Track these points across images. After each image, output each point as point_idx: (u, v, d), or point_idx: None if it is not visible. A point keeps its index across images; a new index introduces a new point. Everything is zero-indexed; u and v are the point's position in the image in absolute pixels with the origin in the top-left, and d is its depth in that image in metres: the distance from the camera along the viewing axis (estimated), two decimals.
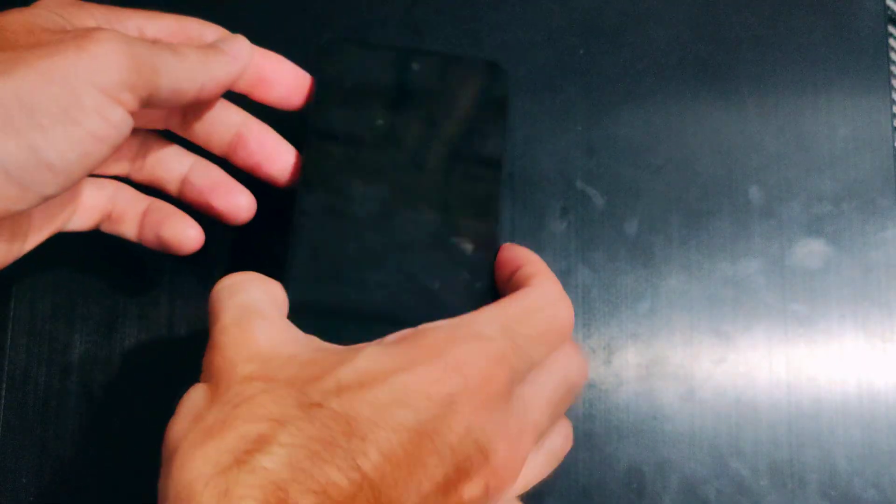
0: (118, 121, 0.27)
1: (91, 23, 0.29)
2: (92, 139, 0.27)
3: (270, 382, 0.24)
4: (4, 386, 0.35)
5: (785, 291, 0.35)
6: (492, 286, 0.31)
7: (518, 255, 0.30)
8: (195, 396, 0.25)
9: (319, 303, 0.30)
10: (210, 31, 0.32)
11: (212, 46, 0.30)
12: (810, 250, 0.35)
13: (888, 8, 0.37)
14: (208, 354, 0.26)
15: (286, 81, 0.32)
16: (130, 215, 0.33)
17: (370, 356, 0.25)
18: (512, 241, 0.33)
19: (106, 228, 0.33)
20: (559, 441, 0.29)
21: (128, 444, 0.34)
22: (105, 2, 0.31)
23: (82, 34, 0.27)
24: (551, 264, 0.33)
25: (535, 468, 0.28)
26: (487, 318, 0.27)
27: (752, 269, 0.35)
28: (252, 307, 0.27)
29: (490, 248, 0.31)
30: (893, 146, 0.36)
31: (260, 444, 0.22)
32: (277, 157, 0.32)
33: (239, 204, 0.32)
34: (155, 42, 0.28)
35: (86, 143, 0.27)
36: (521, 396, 0.26)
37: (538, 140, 0.36)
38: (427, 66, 0.32)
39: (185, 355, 0.35)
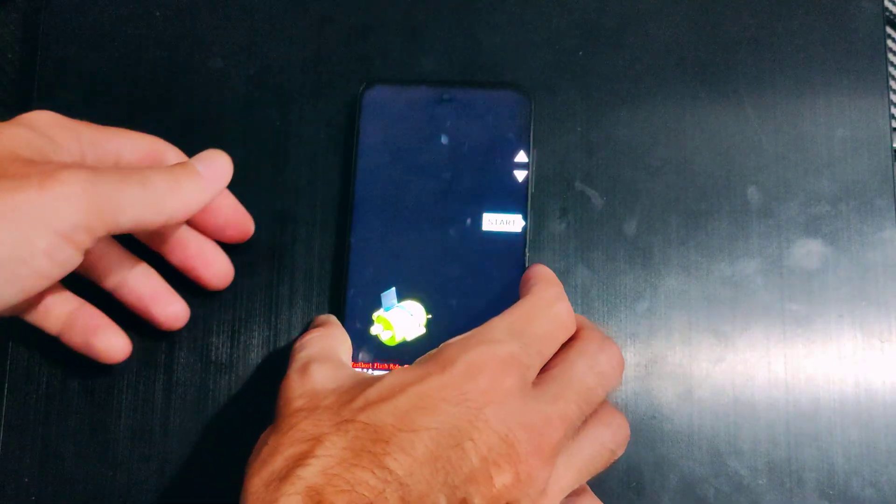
0: (65, 259, 0.28)
1: (74, 146, 0.31)
2: (35, 276, 0.28)
3: (314, 411, 0.28)
4: (7, 386, 0.35)
5: (783, 291, 0.35)
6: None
7: (530, 270, 0.33)
8: (262, 437, 0.28)
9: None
10: (172, 154, 0.33)
11: (185, 168, 0.31)
12: (808, 250, 0.35)
13: (886, 10, 0.38)
14: (277, 402, 0.29)
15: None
16: (57, 313, 0.33)
17: (394, 375, 0.28)
18: None
19: (28, 318, 0.33)
20: (607, 433, 0.30)
21: (129, 444, 0.34)
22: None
23: (48, 172, 0.27)
24: (551, 264, 0.33)
25: (583, 460, 0.29)
26: (495, 324, 0.29)
27: (751, 270, 0.35)
28: (315, 356, 0.30)
29: (518, 258, 0.34)
30: (891, 147, 0.36)
31: (300, 459, 0.26)
32: (214, 262, 0.35)
33: (177, 314, 0.34)
34: (125, 173, 0.29)
35: (27, 280, 0.28)
36: (544, 390, 0.28)
37: (538, 140, 0.36)
38: (458, 98, 0.36)
39: (181, 353, 0.35)
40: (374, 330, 0.34)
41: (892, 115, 0.37)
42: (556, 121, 0.37)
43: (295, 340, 0.32)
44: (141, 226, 0.30)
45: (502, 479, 0.26)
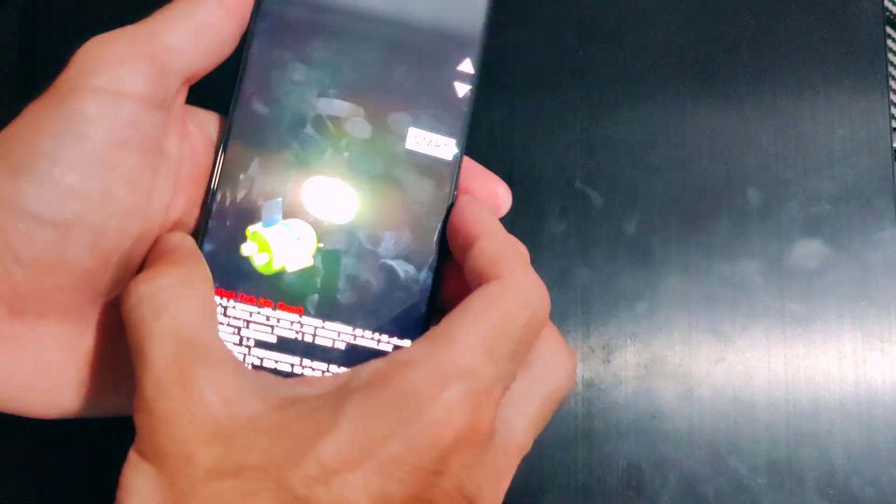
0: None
1: None
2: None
3: (242, 476, 0.21)
4: None
5: (783, 291, 0.35)
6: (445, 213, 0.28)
7: (472, 222, 0.27)
8: (145, 489, 0.21)
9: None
10: None
11: None
12: (808, 250, 0.35)
13: (886, 9, 0.38)
14: (145, 419, 0.21)
15: None
16: None
17: (351, 423, 0.21)
18: None
19: None
20: (561, 378, 0.26)
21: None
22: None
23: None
24: (550, 264, 0.33)
25: (541, 405, 0.26)
26: (467, 343, 0.23)
27: (751, 270, 0.35)
28: (189, 340, 0.22)
29: (443, 193, 0.28)
30: (891, 147, 0.36)
31: None
32: None
33: None
34: None
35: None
36: (504, 420, 0.25)
37: (537, 140, 0.36)
38: None
39: None
40: (246, 249, 0.26)
41: (892, 114, 0.37)
42: (556, 120, 0.37)
43: (128, 289, 0.23)
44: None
45: None
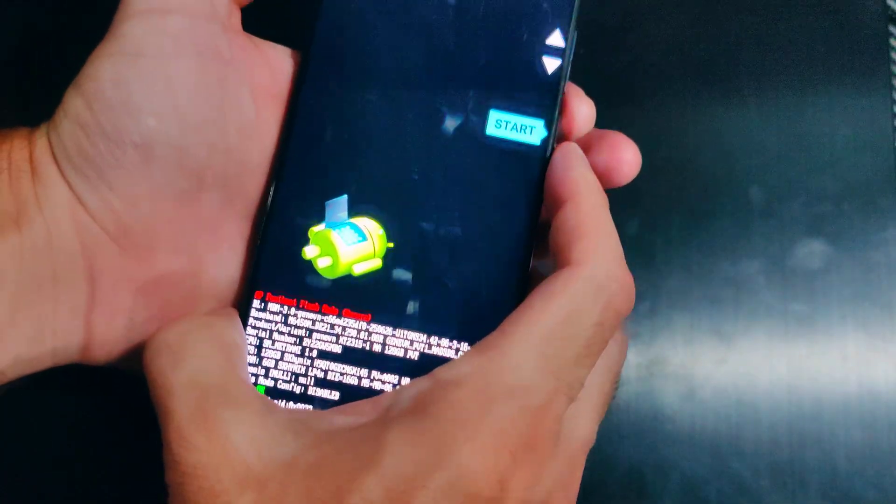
0: None
1: None
2: None
3: None
4: None
5: (786, 292, 0.35)
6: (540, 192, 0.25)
7: (562, 181, 0.24)
8: None
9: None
10: None
11: None
12: (811, 250, 0.35)
13: (889, 8, 0.37)
14: (174, 476, 0.20)
15: None
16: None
17: (396, 455, 0.20)
18: None
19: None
20: (616, 357, 0.25)
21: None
22: None
23: None
24: None
25: (605, 392, 0.24)
26: (520, 351, 0.21)
27: (753, 270, 0.35)
28: (210, 387, 0.21)
29: (532, 182, 0.25)
30: (894, 146, 0.36)
31: None
32: None
33: None
34: None
35: None
36: (571, 417, 0.23)
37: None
38: None
39: None
40: (309, 252, 0.25)
41: (895, 113, 0.36)
42: None
43: (149, 340, 0.23)
44: None
45: None
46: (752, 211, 0.36)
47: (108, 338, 0.24)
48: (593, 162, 0.26)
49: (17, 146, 0.24)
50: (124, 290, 0.24)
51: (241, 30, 0.26)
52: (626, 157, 0.26)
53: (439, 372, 0.22)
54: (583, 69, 0.37)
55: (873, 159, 0.36)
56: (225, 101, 0.25)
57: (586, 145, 0.26)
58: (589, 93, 0.37)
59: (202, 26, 0.24)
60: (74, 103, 0.24)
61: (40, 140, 0.24)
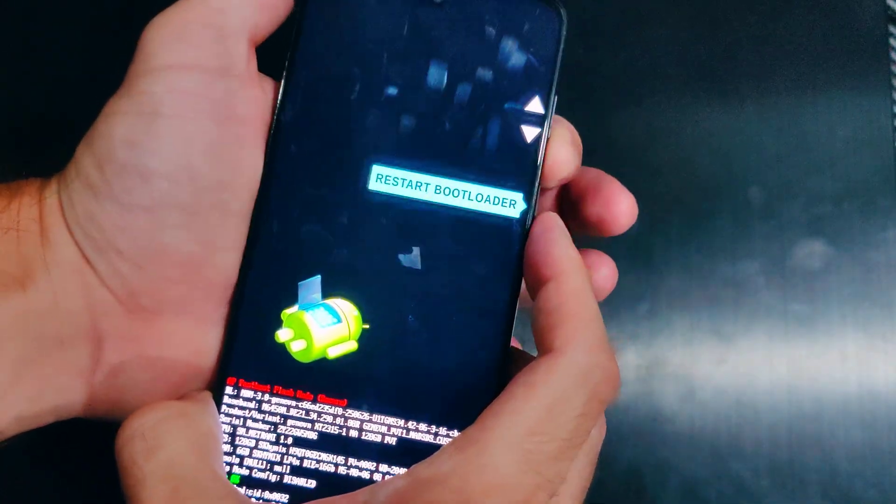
0: None
1: None
2: None
3: None
4: None
5: (785, 292, 0.35)
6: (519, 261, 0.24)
7: (544, 258, 0.23)
8: None
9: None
10: None
11: None
12: (811, 251, 0.35)
13: (888, 7, 0.37)
14: None
15: None
16: None
17: None
18: None
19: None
20: (596, 440, 0.24)
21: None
22: None
23: None
24: None
25: (584, 478, 0.23)
26: (500, 447, 0.20)
27: (753, 270, 0.35)
28: (183, 479, 0.21)
29: (510, 257, 0.24)
30: (893, 146, 0.36)
31: None
32: None
33: None
34: None
35: None
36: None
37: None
38: (452, 3, 0.24)
39: None
40: (282, 335, 0.24)
41: (895, 113, 0.36)
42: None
43: (122, 425, 0.22)
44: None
45: None
46: (751, 211, 0.35)
47: (112, 396, 0.24)
48: (587, 213, 0.25)
49: (26, 203, 0.24)
50: (129, 351, 0.24)
51: (257, 75, 0.25)
52: (621, 210, 0.25)
53: (417, 470, 0.21)
54: (583, 69, 0.37)
55: (873, 159, 0.36)
56: (239, 162, 0.24)
57: (580, 191, 0.26)
58: (588, 93, 0.37)
59: (219, 84, 0.24)
60: (85, 162, 0.23)
61: (50, 199, 0.24)
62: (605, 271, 0.26)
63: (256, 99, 0.25)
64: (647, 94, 0.37)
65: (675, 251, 0.35)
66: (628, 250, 0.35)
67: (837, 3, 0.37)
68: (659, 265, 0.35)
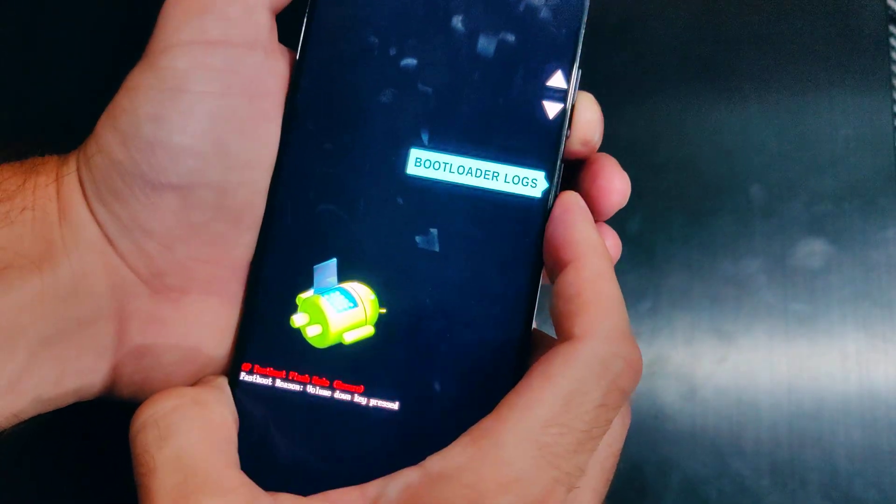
0: None
1: None
2: None
3: None
4: None
5: (786, 291, 0.35)
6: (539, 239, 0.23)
7: (563, 242, 0.22)
8: None
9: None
10: None
11: None
12: (812, 250, 0.35)
13: (889, 8, 0.37)
14: None
15: None
16: None
17: None
18: None
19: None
20: (619, 431, 0.23)
21: None
22: None
23: None
24: None
25: (606, 470, 0.23)
26: (516, 440, 0.19)
27: (754, 269, 0.35)
28: (194, 470, 0.20)
29: (531, 237, 0.23)
30: (894, 146, 0.36)
31: None
32: None
33: None
34: None
35: None
36: (570, 502, 0.21)
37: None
38: None
39: None
40: (298, 320, 0.23)
41: (895, 113, 0.36)
42: None
43: (136, 413, 0.22)
44: None
45: None
46: (752, 210, 0.35)
47: (136, 378, 0.24)
48: (581, 188, 0.25)
49: (42, 182, 0.23)
50: (154, 332, 0.23)
51: (279, 47, 0.24)
52: (614, 186, 0.24)
53: (430, 463, 0.20)
54: (585, 67, 0.37)
55: (874, 158, 0.36)
56: (268, 138, 0.23)
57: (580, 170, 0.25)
58: (591, 91, 0.37)
59: (247, 58, 0.23)
60: (108, 138, 0.22)
61: (69, 176, 0.23)
62: (609, 241, 0.25)
63: (281, 72, 0.24)
64: (648, 93, 0.37)
65: (677, 249, 0.35)
66: (630, 248, 0.35)
67: (839, 4, 0.37)
68: (660, 263, 0.35)
